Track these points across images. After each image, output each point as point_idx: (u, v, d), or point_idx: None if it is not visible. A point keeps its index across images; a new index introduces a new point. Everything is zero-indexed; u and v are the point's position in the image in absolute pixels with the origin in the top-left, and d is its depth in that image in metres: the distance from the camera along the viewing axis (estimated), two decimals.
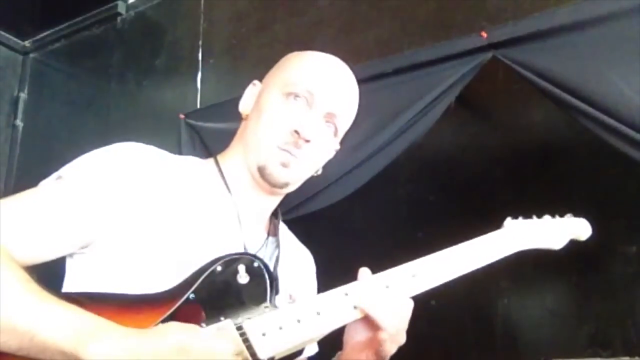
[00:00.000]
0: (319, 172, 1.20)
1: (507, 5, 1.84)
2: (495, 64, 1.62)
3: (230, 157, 1.14)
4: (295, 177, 1.10)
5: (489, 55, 1.61)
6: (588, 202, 1.67)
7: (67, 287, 0.99)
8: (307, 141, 1.06)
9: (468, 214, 1.83)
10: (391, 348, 0.97)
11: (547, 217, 1.24)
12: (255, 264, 0.96)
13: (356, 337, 1.00)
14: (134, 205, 0.97)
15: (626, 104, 1.39)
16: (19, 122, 3.05)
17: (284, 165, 1.07)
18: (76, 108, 2.92)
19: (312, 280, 1.27)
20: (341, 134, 1.18)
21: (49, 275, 0.93)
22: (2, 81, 3.06)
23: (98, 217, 0.95)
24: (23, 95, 3.09)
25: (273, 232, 1.17)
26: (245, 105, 1.16)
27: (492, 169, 1.86)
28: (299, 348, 0.95)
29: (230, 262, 0.95)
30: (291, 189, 1.14)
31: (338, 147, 1.22)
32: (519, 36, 1.56)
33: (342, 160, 1.77)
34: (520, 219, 1.20)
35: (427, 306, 1.81)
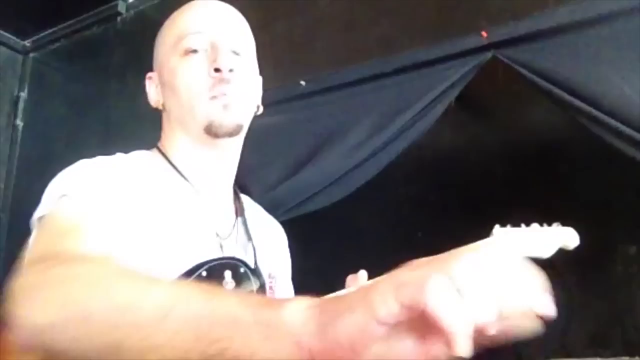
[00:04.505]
0: (261, 110, 1.15)
1: (507, 5, 1.84)
2: (495, 64, 1.62)
3: (170, 144, 1.09)
4: (240, 114, 1.05)
5: (489, 55, 1.61)
6: (588, 202, 1.67)
7: None
8: (231, 71, 1.02)
9: (468, 214, 1.83)
10: None
11: (535, 226, 1.25)
12: (242, 270, 0.94)
13: None
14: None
15: (626, 104, 1.39)
16: (19, 122, 3.05)
17: (225, 107, 1.01)
18: (76, 108, 2.91)
19: (286, 254, 1.24)
20: (254, 58, 1.13)
21: None
22: (2, 81, 3.06)
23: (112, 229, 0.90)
24: (23, 95, 3.09)
25: (240, 212, 1.13)
26: (153, 97, 1.13)
27: (492, 169, 1.86)
28: None
29: (216, 267, 0.92)
30: (243, 132, 1.09)
31: (259, 78, 1.18)
32: (519, 36, 1.56)
33: (342, 160, 1.78)
34: (508, 227, 1.21)
35: None
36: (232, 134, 1.04)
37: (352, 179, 1.80)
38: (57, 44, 3.10)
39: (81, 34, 3.00)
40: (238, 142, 1.10)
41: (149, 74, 1.16)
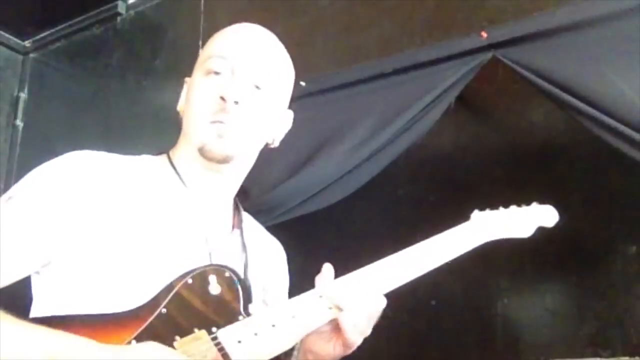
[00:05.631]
0: (275, 144, 1.17)
1: (507, 5, 1.84)
2: (495, 64, 1.62)
3: (179, 151, 1.13)
4: (234, 146, 1.06)
5: (489, 55, 1.61)
6: (588, 202, 1.67)
7: (35, 309, 0.98)
8: (236, 103, 1.03)
9: (468, 214, 1.82)
10: (356, 338, 0.98)
11: (513, 207, 1.24)
12: (227, 274, 0.96)
13: (323, 326, 0.99)
14: (89, 218, 0.96)
15: (626, 104, 1.39)
16: (19, 122, 3.05)
17: (219, 136, 1.04)
18: (76, 108, 2.91)
19: (283, 272, 1.26)
20: (276, 95, 1.13)
21: (15, 296, 0.93)
22: (2, 81, 3.06)
23: (51, 234, 0.94)
24: (23, 95, 3.09)
25: (237, 224, 1.16)
26: (180, 102, 1.16)
27: (492, 169, 1.86)
28: (277, 353, 0.95)
29: (201, 273, 0.95)
30: (240, 163, 1.11)
31: (290, 113, 1.19)
32: (519, 36, 1.56)
33: (342, 160, 1.78)
34: (487, 210, 1.21)
35: (427, 306, 1.81)
36: (221, 161, 1.06)
37: (352, 179, 1.80)
38: (57, 44, 3.09)
39: (81, 34, 3.00)
40: (236, 167, 1.11)
41: (186, 79, 1.18)
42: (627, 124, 1.39)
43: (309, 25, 2.24)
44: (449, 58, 1.68)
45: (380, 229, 1.99)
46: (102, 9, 2.91)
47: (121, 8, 2.87)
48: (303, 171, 1.80)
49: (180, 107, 1.16)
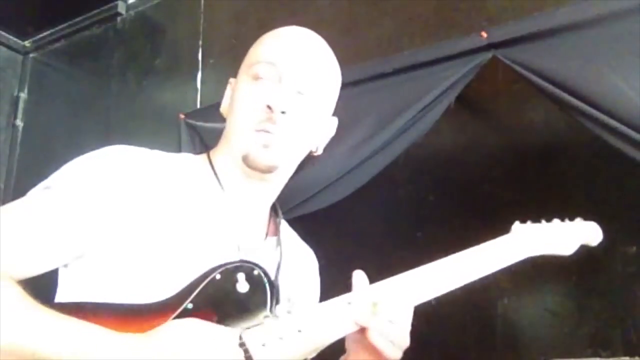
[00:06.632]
0: (319, 152, 1.16)
1: (507, 5, 1.84)
2: (495, 64, 1.62)
3: (219, 154, 1.10)
4: (280, 156, 1.04)
5: (489, 55, 1.61)
6: (588, 202, 1.67)
7: (59, 298, 0.97)
8: (283, 112, 1.01)
9: (468, 214, 1.83)
10: (396, 354, 0.94)
11: (556, 221, 1.21)
12: (256, 272, 0.95)
13: (359, 342, 0.97)
14: (125, 213, 0.95)
15: (626, 104, 1.39)
16: (19, 122, 3.05)
17: (265, 146, 1.01)
18: (76, 108, 2.91)
19: (314, 280, 1.24)
20: (323, 102, 1.12)
21: (40, 283, 0.93)
22: (2, 81, 3.06)
23: (88, 227, 0.93)
24: (23, 95, 3.09)
25: (273, 231, 1.14)
26: (224, 104, 1.13)
27: (492, 169, 1.86)
28: (301, 359, 0.93)
29: (230, 270, 0.94)
30: (284, 172, 1.09)
31: (334, 120, 1.18)
32: (519, 36, 1.56)
33: (342, 160, 1.78)
34: (528, 223, 1.18)
35: (427, 306, 1.81)
36: (264, 171, 1.04)
37: (352, 179, 1.80)
38: (57, 44, 3.10)
39: (81, 34, 3.01)
40: (279, 176, 1.09)
41: (231, 80, 1.15)
42: (627, 124, 1.39)
43: (308, 25, 2.22)
44: (449, 58, 1.67)
45: (380, 229, 1.99)
46: (102, 9, 2.91)
47: (121, 8, 2.87)
48: (303, 171, 1.79)
49: (223, 108, 1.13)
